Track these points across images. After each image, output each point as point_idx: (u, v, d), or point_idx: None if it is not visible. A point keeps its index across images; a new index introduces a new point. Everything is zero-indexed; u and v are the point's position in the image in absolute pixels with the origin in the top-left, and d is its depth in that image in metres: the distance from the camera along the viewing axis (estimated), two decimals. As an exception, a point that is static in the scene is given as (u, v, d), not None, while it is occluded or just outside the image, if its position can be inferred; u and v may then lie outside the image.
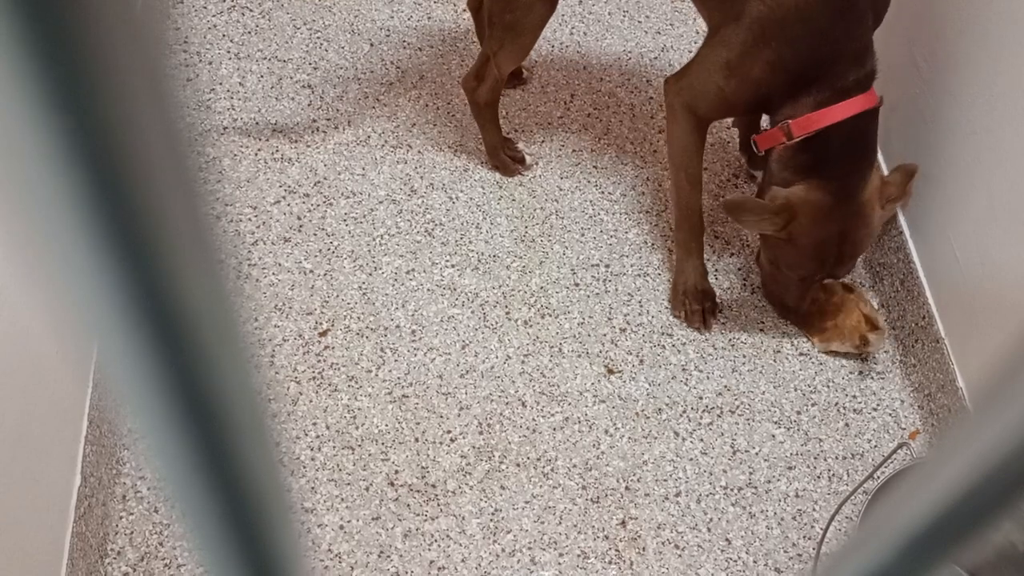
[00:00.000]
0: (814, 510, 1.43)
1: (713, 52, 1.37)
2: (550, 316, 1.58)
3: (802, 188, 1.34)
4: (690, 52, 1.94)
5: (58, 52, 0.13)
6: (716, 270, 1.64)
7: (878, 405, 1.53)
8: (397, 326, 1.55)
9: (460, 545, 1.37)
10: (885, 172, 1.62)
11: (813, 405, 1.52)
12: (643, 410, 1.50)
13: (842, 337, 1.55)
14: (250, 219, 1.64)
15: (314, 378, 1.49)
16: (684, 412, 1.50)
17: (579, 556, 1.37)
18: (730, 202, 1.35)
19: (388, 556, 1.35)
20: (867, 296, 1.61)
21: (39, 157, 0.14)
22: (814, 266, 1.41)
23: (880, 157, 1.65)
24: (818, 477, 1.46)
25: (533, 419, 1.48)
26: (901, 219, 1.60)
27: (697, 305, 1.57)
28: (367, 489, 1.40)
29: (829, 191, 1.33)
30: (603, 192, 1.72)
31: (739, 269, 1.65)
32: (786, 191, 1.34)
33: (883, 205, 1.39)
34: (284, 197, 1.67)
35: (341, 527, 1.37)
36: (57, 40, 0.13)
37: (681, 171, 1.49)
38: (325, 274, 1.59)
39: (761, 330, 1.59)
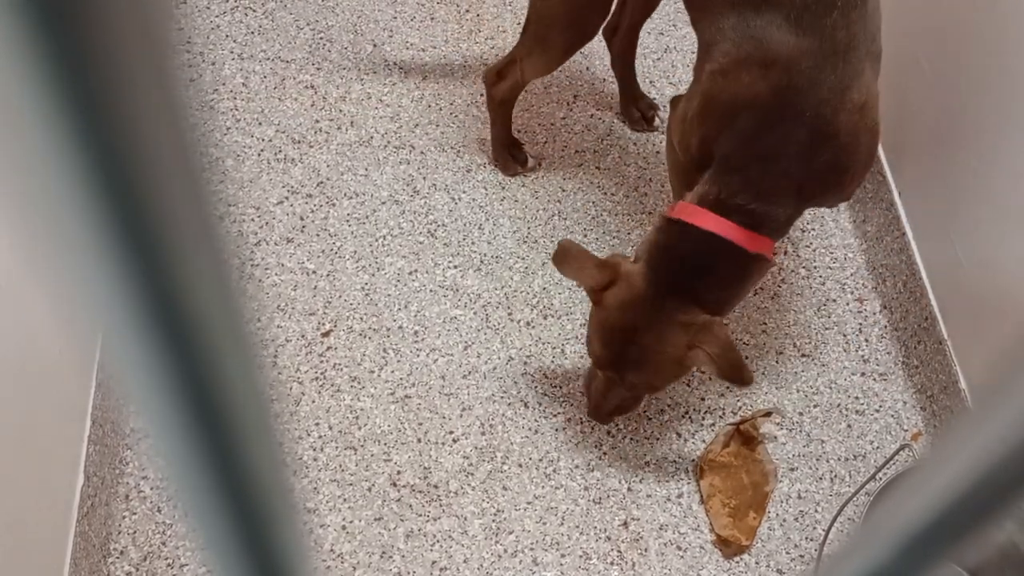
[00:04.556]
0: (816, 511, 1.43)
1: (685, 100, 1.31)
2: (552, 317, 1.58)
3: (636, 268, 1.22)
4: (693, 53, 1.93)
5: (65, 52, 0.13)
6: (719, 271, 1.64)
7: (880, 407, 1.53)
8: (400, 327, 1.55)
9: (462, 546, 1.37)
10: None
11: (815, 407, 1.52)
12: (645, 411, 1.50)
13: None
14: (253, 220, 1.65)
15: (317, 379, 1.49)
16: (686, 413, 1.50)
17: (581, 557, 1.37)
18: (557, 252, 1.26)
19: (390, 556, 1.35)
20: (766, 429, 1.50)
21: (45, 158, 0.14)
22: (600, 350, 1.27)
23: (887, 169, 1.65)
24: (820, 478, 1.46)
25: (535, 420, 1.48)
26: (904, 220, 1.60)
27: None
28: (369, 489, 1.40)
29: (651, 285, 1.20)
30: (606, 193, 1.72)
31: (742, 270, 1.65)
32: (620, 257, 1.25)
33: (689, 347, 1.20)
34: (287, 198, 1.68)
35: (343, 527, 1.37)
36: (64, 40, 0.13)
37: (673, 181, 1.49)
38: (328, 275, 1.59)
39: (763, 331, 1.59)
